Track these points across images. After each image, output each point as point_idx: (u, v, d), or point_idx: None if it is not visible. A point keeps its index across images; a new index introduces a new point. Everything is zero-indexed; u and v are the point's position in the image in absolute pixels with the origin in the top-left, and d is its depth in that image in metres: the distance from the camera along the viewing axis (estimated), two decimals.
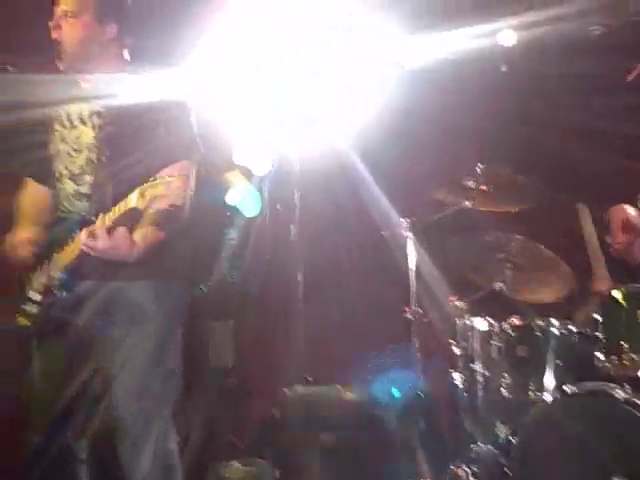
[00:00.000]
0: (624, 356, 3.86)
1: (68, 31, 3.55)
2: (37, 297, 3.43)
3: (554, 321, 4.13)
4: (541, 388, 4.05)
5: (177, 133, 3.48)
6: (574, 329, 4.11)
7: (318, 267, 5.04)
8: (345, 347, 5.14)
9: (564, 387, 3.95)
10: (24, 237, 3.60)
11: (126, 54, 3.67)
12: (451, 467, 4.15)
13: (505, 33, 4.75)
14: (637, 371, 3.80)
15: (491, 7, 4.92)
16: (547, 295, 4.57)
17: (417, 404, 4.44)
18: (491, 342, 4.22)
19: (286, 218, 4.83)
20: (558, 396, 3.97)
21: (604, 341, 3.94)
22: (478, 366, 4.23)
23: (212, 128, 4.22)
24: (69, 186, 3.59)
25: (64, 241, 3.39)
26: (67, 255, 3.37)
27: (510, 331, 4.20)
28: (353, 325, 5.26)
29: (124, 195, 3.21)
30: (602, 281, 4.53)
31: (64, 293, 3.37)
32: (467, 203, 4.59)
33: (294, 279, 4.77)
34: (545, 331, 4.13)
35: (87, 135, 3.55)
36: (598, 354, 3.93)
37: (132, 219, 3.20)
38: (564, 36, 4.61)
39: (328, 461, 4.36)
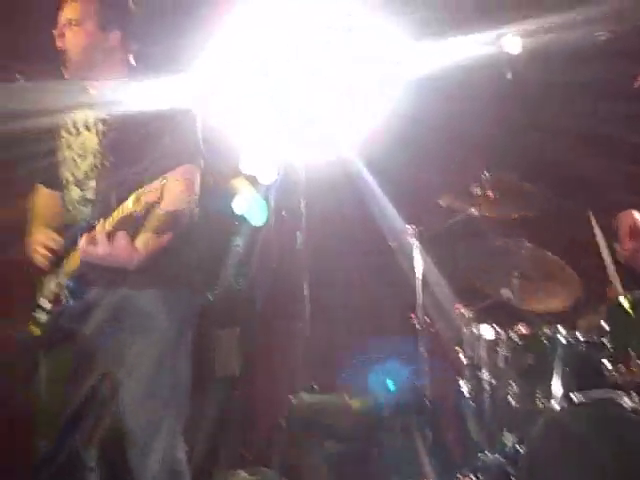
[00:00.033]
0: (631, 364, 3.84)
1: (72, 39, 3.58)
2: (47, 305, 3.42)
3: (561, 329, 4.11)
4: (548, 396, 4.02)
5: (182, 139, 3.48)
6: (581, 337, 4.09)
7: (324, 275, 5.03)
8: (351, 355, 5.13)
9: (571, 395, 3.94)
10: (39, 241, 3.60)
11: (132, 60, 3.67)
12: (458, 476, 4.14)
13: (511, 40, 4.74)
14: None
15: (497, 14, 4.92)
16: (554, 304, 4.56)
17: (422, 410, 4.43)
18: (498, 350, 4.21)
19: (292, 226, 4.83)
20: (565, 404, 3.96)
21: (611, 349, 3.92)
22: (485, 374, 4.21)
23: (218, 136, 4.22)
24: (74, 192, 3.60)
25: (70, 248, 3.39)
26: (73, 262, 3.37)
27: (517, 339, 4.19)
28: (359, 333, 5.25)
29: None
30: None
31: (71, 301, 3.36)
32: (473, 210, 4.57)
33: (300, 287, 4.77)
34: (552, 339, 4.11)
35: (91, 141, 3.57)
36: (605, 362, 3.92)
37: (129, 225, 3.18)
38: (570, 43, 4.60)
39: (334, 469, 4.36)
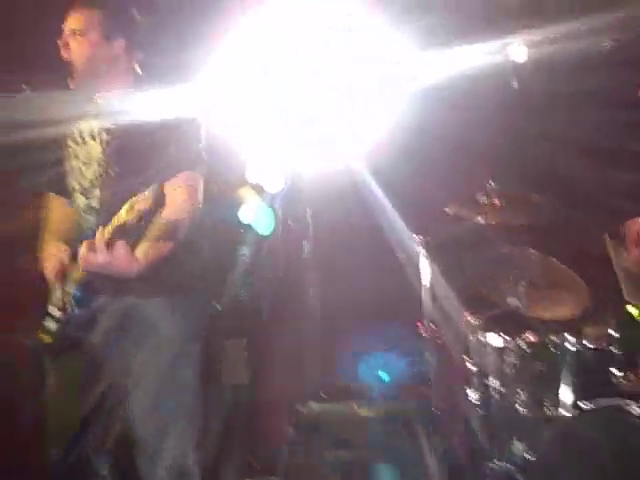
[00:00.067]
0: None
1: (76, 49, 3.58)
2: (56, 313, 3.43)
3: (569, 337, 4.11)
4: (557, 404, 4.02)
5: (184, 147, 3.49)
6: (589, 345, 4.09)
7: (330, 284, 5.02)
8: (358, 363, 5.12)
9: (580, 403, 3.93)
10: (50, 254, 3.61)
11: (137, 68, 3.68)
12: None
13: (516, 49, 4.75)
14: None
15: (503, 24, 4.93)
16: (562, 312, 4.54)
17: (430, 419, 4.42)
18: (506, 358, 4.21)
19: (299, 235, 4.83)
20: (574, 412, 3.95)
21: (620, 356, 3.92)
22: (493, 382, 4.21)
23: (224, 145, 4.23)
24: (80, 200, 3.62)
25: (76, 256, 3.39)
26: (79, 271, 3.38)
27: (525, 347, 4.19)
28: (366, 342, 5.24)
29: None
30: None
31: (77, 309, 3.37)
32: (480, 218, 4.56)
33: (307, 296, 4.76)
34: (560, 347, 4.11)
35: (96, 150, 3.58)
36: (614, 370, 3.91)
37: (125, 233, 3.17)
38: (575, 52, 4.60)
39: (344, 478, 4.34)
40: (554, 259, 4.60)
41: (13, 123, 3.70)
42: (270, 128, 4.63)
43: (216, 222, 3.74)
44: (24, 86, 3.72)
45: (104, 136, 3.57)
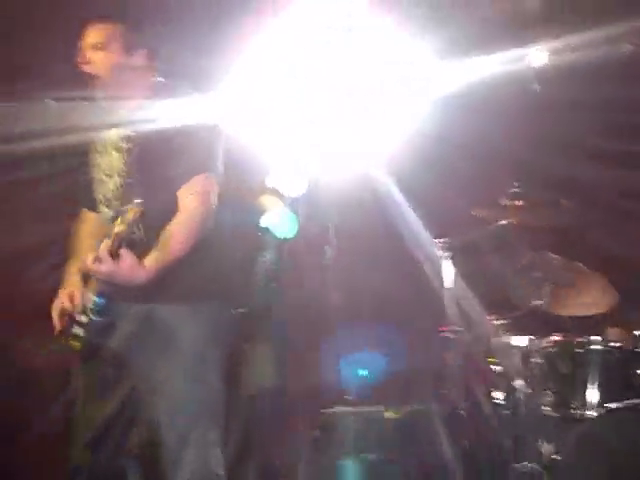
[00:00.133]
0: None
1: (98, 63, 3.59)
2: (83, 319, 3.47)
3: (595, 337, 4.10)
4: (584, 405, 4.01)
5: (202, 154, 3.52)
6: (615, 345, 4.08)
7: (352, 289, 5.04)
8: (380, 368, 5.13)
9: (606, 404, 3.91)
10: (71, 273, 3.66)
11: (158, 77, 3.72)
12: None
13: (537, 54, 4.77)
14: None
15: (524, 32, 4.94)
16: (587, 310, 4.52)
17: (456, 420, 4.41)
18: (531, 359, 4.20)
19: (320, 240, 4.85)
20: (601, 413, 3.94)
21: None
22: (519, 384, 4.20)
23: (245, 151, 4.27)
24: (104, 212, 3.64)
25: None
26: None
27: (550, 348, 4.18)
28: (388, 347, 5.24)
29: (150, 217, 3.30)
30: None
31: (98, 316, 3.40)
32: (504, 221, 4.57)
33: (329, 300, 4.78)
34: (586, 347, 4.10)
35: (118, 160, 3.60)
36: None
37: (128, 242, 3.24)
38: (596, 58, 4.60)
39: None
40: (578, 263, 4.59)
41: (35, 133, 3.76)
42: (292, 133, 4.65)
43: (238, 227, 3.76)
44: (47, 99, 3.75)
45: (125, 145, 3.60)
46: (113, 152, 3.65)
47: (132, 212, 3.23)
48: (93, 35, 3.61)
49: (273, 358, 4.85)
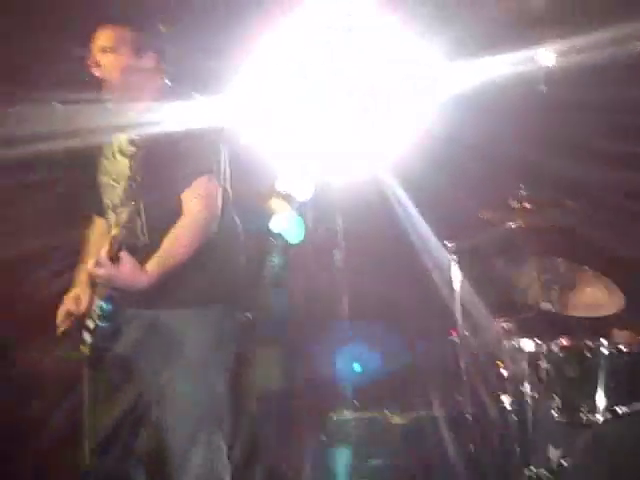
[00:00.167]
0: None
1: (108, 65, 3.58)
2: (90, 324, 3.46)
3: (603, 341, 4.08)
4: (592, 409, 4.00)
5: (206, 157, 3.51)
6: (624, 349, 4.06)
7: (361, 292, 5.03)
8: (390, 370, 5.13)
9: (616, 408, 3.90)
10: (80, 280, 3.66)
11: (167, 80, 3.71)
12: None
13: (544, 54, 4.75)
14: None
15: (531, 33, 4.93)
16: (596, 311, 4.51)
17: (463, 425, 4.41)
18: (539, 363, 4.19)
19: (329, 243, 4.84)
20: (610, 417, 3.92)
21: None
22: (527, 388, 4.19)
23: (254, 154, 4.26)
24: (111, 217, 3.63)
25: None
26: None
27: (559, 352, 4.17)
28: (397, 349, 5.24)
29: (155, 220, 3.34)
30: None
31: (104, 321, 3.40)
32: (511, 224, 4.56)
33: (338, 303, 4.77)
34: (594, 351, 4.08)
35: (124, 165, 3.58)
36: None
37: (122, 245, 3.23)
38: (604, 59, 4.59)
39: None
40: (585, 267, 4.58)
41: (47, 136, 3.75)
42: (299, 136, 4.64)
43: (246, 231, 3.75)
44: (55, 103, 3.74)
45: (131, 149, 3.58)
46: (120, 157, 3.64)
47: (125, 214, 3.23)
48: (102, 38, 3.61)
49: (279, 362, 4.85)
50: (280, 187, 4.64)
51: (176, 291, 3.45)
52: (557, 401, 4.08)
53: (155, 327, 3.50)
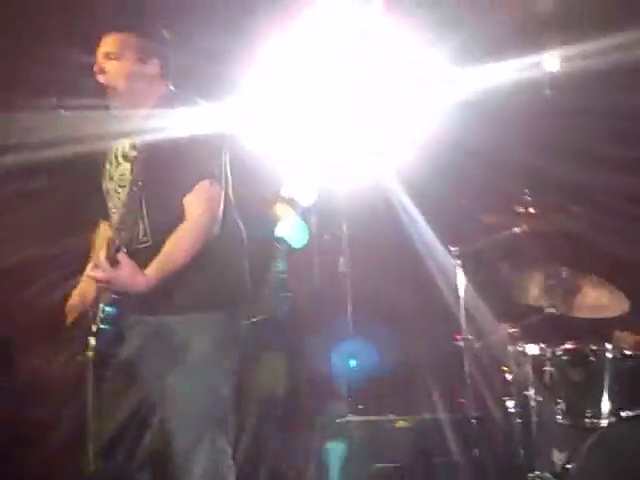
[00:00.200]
0: None
1: (112, 72, 3.58)
2: (94, 328, 3.47)
3: (608, 345, 4.08)
4: (597, 413, 3.99)
5: (208, 162, 3.53)
6: (628, 353, 4.06)
7: (366, 296, 5.04)
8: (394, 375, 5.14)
9: (620, 412, 3.90)
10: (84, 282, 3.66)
11: (171, 86, 3.73)
12: None
13: (549, 59, 4.76)
14: None
15: (537, 39, 4.94)
16: (601, 313, 4.50)
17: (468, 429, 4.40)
18: (544, 368, 4.18)
19: (334, 249, 4.85)
20: (614, 421, 3.92)
21: None
22: (532, 392, 4.18)
23: (259, 160, 4.27)
24: (115, 220, 3.65)
25: None
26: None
27: (563, 356, 4.16)
28: (402, 355, 5.24)
29: (158, 224, 3.34)
30: None
31: (108, 326, 3.41)
32: (516, 229, 4.56)
33: (343, 309, 4.78)
34: (599, 355, 4.08)
35: (128, 170, 3.60)
36: None
37: (119, 248, 3.22)
38: (609, 65, 4.60)
39: None
40: (589, 274, 4.58)
41: (51, 142, 3.77)
42: (303, 142, 4.66)
43: (250, 236, 3.76)
44: (61, 109, 3.76)
45: (133, 153, 3.60)
46: (123, 161, 3.65)
47: (126, 217, 3.24)
48: (107, 44, 3.61)
49: (284, 365, 4.86)
50: (284, 192, 4.66)
51: (179, 297, 3.44)
52: (561, 405, 4.08)
53: (159, 331, 3.49)
